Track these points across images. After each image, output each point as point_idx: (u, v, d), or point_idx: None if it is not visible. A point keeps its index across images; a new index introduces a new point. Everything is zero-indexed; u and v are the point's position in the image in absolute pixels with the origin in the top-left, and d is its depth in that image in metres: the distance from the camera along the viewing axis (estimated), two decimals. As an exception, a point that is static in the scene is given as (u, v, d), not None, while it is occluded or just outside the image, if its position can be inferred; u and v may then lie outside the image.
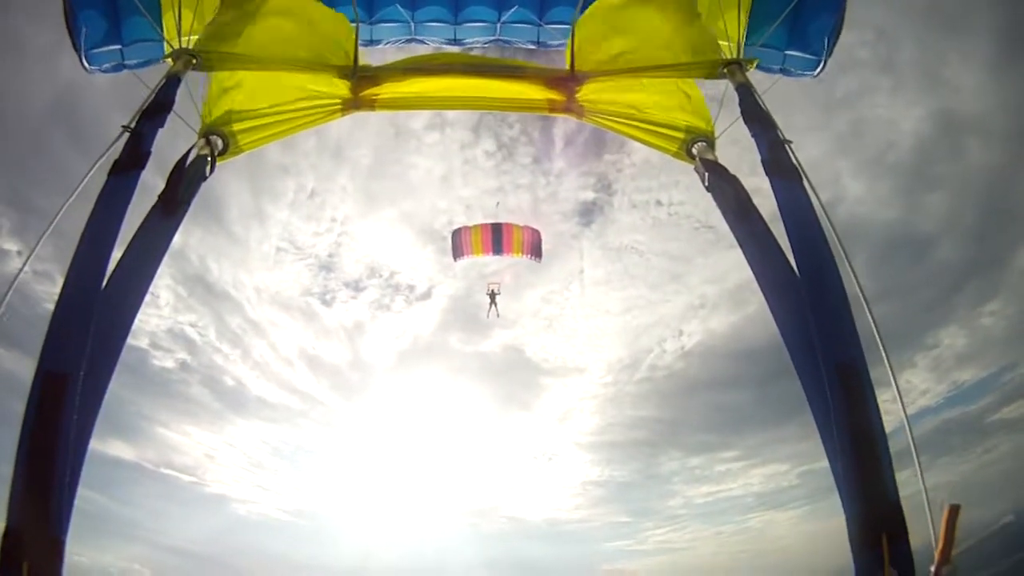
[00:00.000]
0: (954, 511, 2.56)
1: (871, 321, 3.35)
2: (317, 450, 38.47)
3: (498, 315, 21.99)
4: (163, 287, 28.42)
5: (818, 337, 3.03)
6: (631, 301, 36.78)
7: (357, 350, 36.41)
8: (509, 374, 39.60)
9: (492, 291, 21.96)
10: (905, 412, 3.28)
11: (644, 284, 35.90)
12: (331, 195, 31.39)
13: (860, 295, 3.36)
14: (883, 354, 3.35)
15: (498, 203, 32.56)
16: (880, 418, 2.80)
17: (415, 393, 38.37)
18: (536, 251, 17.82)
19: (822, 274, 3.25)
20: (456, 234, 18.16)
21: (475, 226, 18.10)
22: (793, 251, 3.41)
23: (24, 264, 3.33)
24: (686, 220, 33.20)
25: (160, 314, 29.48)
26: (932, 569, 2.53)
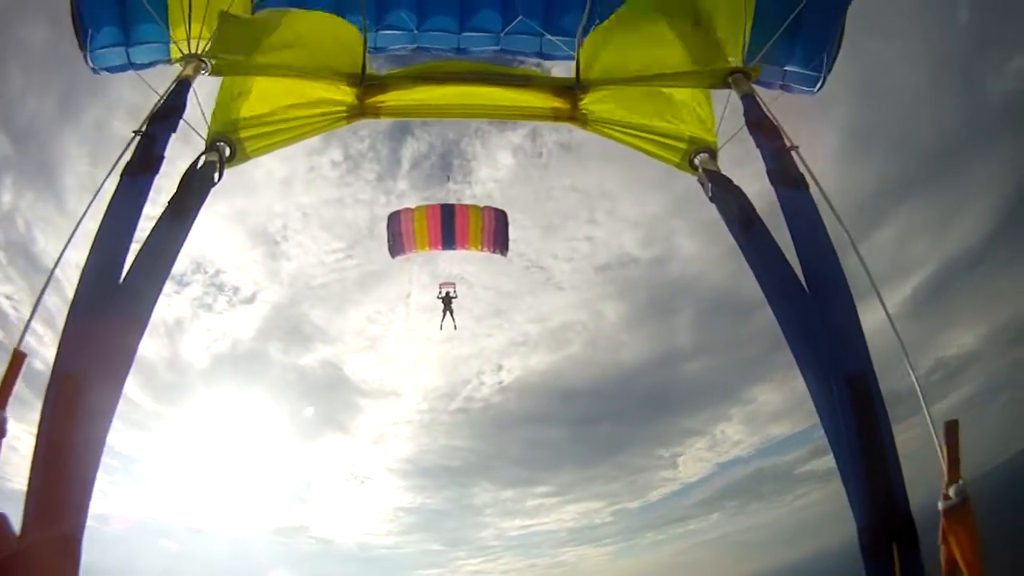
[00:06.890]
0: (952, 427, 2.53)
1: (889, 320, 3.34)
2: (123, 452, 34.81)
3: (455, 327, 16.96)
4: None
5: (827, 349, 3.07)
6: (453, 331, 35.76)
7: (175, 348, 34.04)
8: (326, 391, 38.29)
9: (447, 294, 16.44)
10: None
11: (469, 315, 35.53)
12: (165, 178, 29.18)
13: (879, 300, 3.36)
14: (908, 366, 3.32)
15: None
16: (890, 429, 2.84)
17: (230, 399, 36.07)
18: (501, 243, 13.42)
19: (830, 286, 3.27)
20: (394, 220, 13.30)
21: (419, 209, 13.25)
22: (800, 263, 3.42)
23: (55, 267, 3.30)
24: (518, 258, 32.96)
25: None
26: (943, 490, 2.50)
